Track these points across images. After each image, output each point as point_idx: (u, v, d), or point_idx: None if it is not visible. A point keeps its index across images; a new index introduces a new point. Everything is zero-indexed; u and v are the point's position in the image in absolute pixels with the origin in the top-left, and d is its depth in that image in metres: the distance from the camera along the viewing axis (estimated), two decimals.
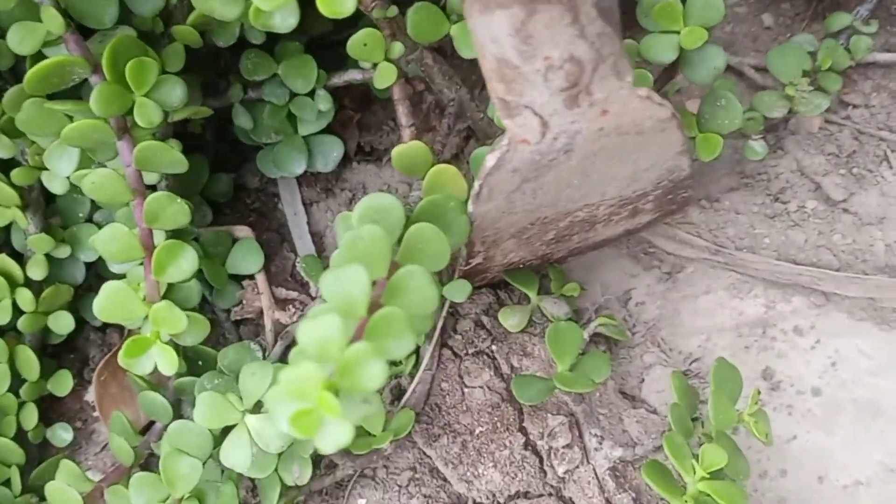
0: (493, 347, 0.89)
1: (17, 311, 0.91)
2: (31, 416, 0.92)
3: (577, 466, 0.84)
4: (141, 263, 0.75)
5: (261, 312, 0.94)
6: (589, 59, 0.65)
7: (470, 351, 0.89)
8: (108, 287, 0.71)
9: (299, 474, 0.78)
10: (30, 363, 0.91)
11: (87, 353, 1.01)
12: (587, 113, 0.69)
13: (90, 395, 1.00)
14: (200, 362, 0.91)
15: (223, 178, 0.99)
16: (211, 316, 0.99)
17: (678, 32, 0.80)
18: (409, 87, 0.87)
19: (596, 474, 0.83)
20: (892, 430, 0.84)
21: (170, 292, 0.77)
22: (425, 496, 0.87)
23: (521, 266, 0.87)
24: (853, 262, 0.90)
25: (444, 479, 0.85)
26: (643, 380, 0.90)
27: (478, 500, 0.84)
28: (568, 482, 0.84)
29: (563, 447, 0.84)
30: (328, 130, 0.97)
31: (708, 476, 0.70)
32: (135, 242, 0.72)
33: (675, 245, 0.94)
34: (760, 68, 0.97)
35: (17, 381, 0.92)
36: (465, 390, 0.87)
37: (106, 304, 0.71)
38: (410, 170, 0.81)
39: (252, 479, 0.84)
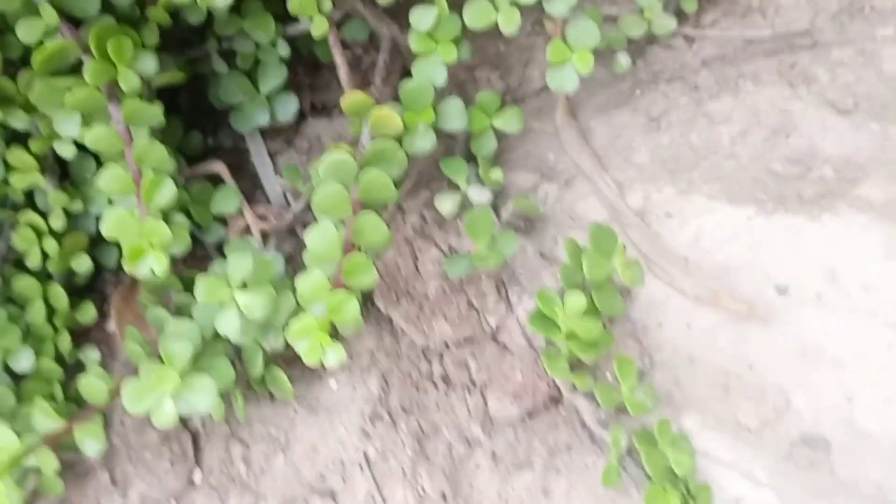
0: (434, 231, 1.10)
1: (45, 258, 1.10)
2: (65, 340, 1.11)
3: (505, 318, 1.06)
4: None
5: (246, 230, 1.13)
6: None
7: (418, 235, 1.10)
8: (110, 211, 0.90)
9: (275, 342, 0.98)
10: (59, 296, 1.09)
11: (106, 292, 1.20)
12: None
13: (110, 326, 1.19)
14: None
15: (195, 135, 1.18)
16: (202, 252, 1.20)
17: None
18: (341, 40, 1.04)
19: (519, 323, 1.05)
20: (743, 283, 1.02)
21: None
22: (382, 372, 1.07)
23: None
24: (706, 154, 1.08)
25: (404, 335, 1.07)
26: (557, 242, 1.10)
27: (433, 348, 1.05)
28: (500, 330, 1.06)
29: (494, 304, 1.06)
30: (285, 89, 1.16)
31: (573, 317, 0.90)
32: (129, 180, 0.91)
33: (568, 159, 1.13)
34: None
35: (51, 314, 1.11)
36: (419, 265, 1.08)
37: (110, 224, 0.90)
38: (357, 113, 0.98)
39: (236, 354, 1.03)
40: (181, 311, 1.07)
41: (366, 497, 1.01)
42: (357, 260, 0.88)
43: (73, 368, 1.13)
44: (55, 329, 1.11)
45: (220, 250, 1.18)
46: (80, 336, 1.16)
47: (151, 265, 0.90)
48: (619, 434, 0.93)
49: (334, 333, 0.90)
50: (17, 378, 1.08)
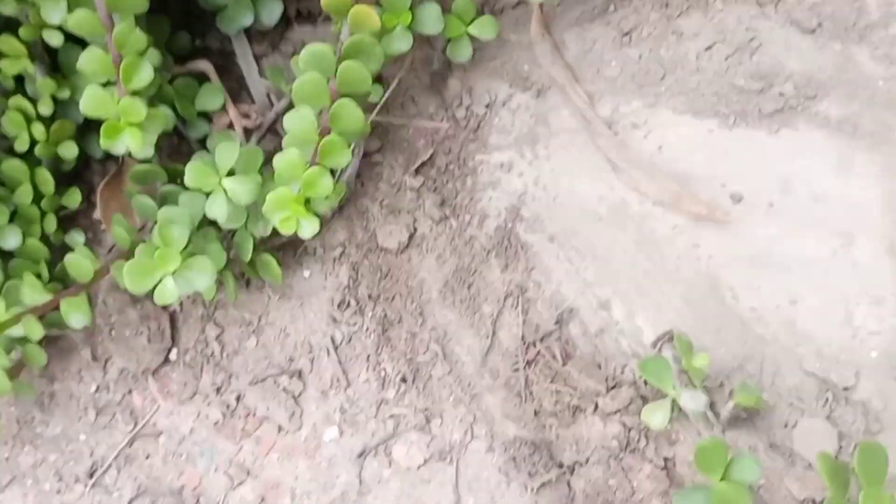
0: (642, 444, 0.95)
1: (33, 143, 1.11)
2: (51, 223, 1.12)
3: None
4: (112, 83, 0.95)
5: (229, 126, 1.14)
6: None
7: (625, 450, 0.96)
8: (89, 90, 0.91)
9: (263, 230, 1.00)
10: (47, 180, 1.11)
11: (93, 182, 1.22)
12: None
13: (96, 214, 1.21)
14: (179, 180, 1.12)
15: (183, 35, 1.19)
16: (187, 148, 1.21)
17: None
18: None
19: None
20: (701, 191, 1.03)
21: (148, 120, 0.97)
22: (353, 263, 1.09)
23: None
24: (673, 68, 1.08)
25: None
26: (787, 427, 0.94)
27: None
28: None
29: None
30: None
31: None
32: (108, 62, 0.92)
33: (542, 71, 1.14)
34: None
35: (38, 198, 1.13)
36: (634, 485, 0.94)
37: (88, 101, 0.91)
38: (337, 11, 0.96)
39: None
40: (167, 201, 1.09)
41: (332, 378, 1.04)
42: (332, 140, 0.89)
43: (58, 252, 1.15)
44: (42, 212, 1.13)
45: (203, 145, 1.19)
46: (66, 223, 1.18)
47: (128, 143, 0.91)
48: None
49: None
50: (3, 257, 1.10)
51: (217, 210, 0.97)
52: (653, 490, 0.92)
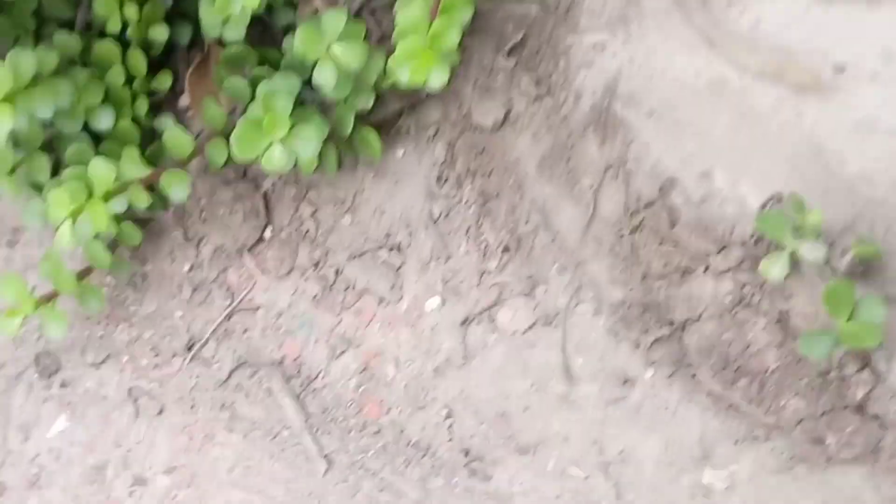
0: (756, 299, 0.93)
1: (124, 27, 1.10)
2: (143, 105, 1.12)
3: (873, 387, 0.89)
4: None
5: (314, 14, 1.13)
6: None
7: (739, 305, 0.95)
8: None
9: (364, 102, 0.99)
10: (139, 61, 1.10)
11: (179, 70, 1.21)
12: None
13: (182, 102, 1.20)
14: (267, 64, 1.11)
15: None
16: (272, 37, 1.20)
17: None
18: None
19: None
20: (802, 63, 1.02)
21: None
22: (448, 141, 1.08)
23: None
24: None
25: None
26: None
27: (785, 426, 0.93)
28: (870, 401, 0.90)
29: (855, 370, 0.90)
30: None
31: None
32: None
33: None
34: None
35: (129, 80, 1.12)
36: (750, 339, 0.94)
37: None
38: None
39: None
40: (255, 82, 1.08)
41: (431, 250, 1.03)
42: None
43: (147, 136, 1.14)
44: (133, 94, 1.12)
45: (288, 33, 1.18)
46: (153, 109, 1.16)
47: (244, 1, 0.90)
48: None
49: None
50: (95, 139, 1.09)
51: (325, 77, 0.96)
52: (768, 342, 0.91)
